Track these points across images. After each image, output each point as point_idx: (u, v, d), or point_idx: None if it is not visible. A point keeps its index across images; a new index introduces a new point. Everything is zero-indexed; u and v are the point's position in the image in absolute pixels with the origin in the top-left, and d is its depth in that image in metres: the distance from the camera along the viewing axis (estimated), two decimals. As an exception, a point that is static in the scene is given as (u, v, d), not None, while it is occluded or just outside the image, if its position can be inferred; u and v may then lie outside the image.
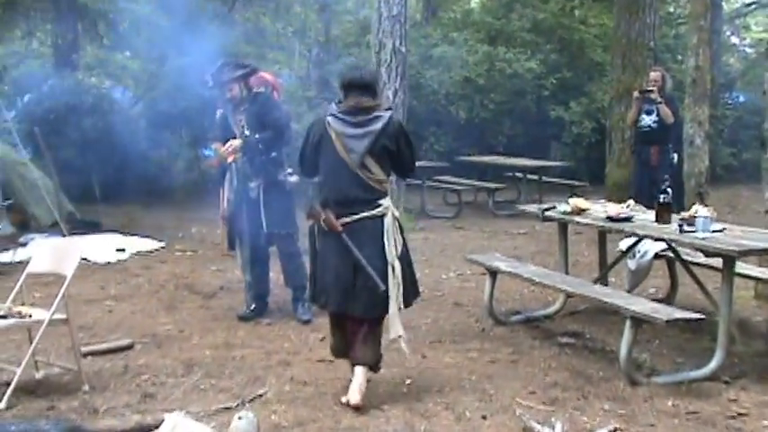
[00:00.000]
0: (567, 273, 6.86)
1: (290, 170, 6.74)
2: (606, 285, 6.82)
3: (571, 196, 8.24)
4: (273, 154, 6.61)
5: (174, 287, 7.78)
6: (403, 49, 10.50)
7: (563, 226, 6.93)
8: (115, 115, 12.63)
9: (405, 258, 4.91)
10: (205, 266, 8.59)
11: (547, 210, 6.69)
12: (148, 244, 9.55)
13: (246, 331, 6.43)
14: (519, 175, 13.20)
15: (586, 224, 6.43)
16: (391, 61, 10.38)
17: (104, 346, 5.97)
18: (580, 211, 6.42)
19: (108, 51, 14.11)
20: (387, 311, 4.80)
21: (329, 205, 4.78)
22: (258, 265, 6.81)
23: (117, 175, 12.14)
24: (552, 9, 17.30)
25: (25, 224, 10.11)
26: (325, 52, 16.08)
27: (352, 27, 17.11)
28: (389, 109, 5.03)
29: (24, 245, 9.04)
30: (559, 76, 16.22)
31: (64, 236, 9.17)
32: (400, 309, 4.83)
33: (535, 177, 12.90)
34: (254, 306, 6.82)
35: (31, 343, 5.09)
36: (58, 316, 5.09)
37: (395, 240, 4.79)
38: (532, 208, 7.11)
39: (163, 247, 9.55)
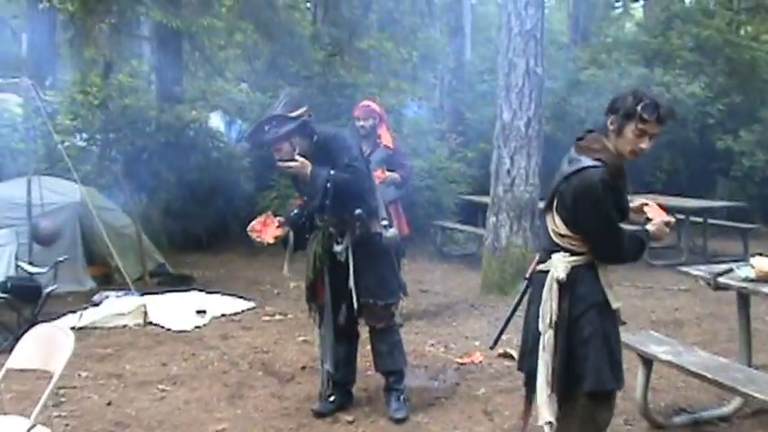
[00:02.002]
0: (749, 363, 5.07)
1: (384, 222, 5.20)
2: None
3: (756, 256, 6.31)
4: (358, 211, 5.06)
5: (248, 365, 6.39)
6: (539, 71, 8.78)
7: (744, 297, 5.15)
8: (218, 152, 11.58)
9: (596, 336, 3.68)
10: (292, 335, 7.20)
11: (721, 274, 4.96)
12: (235, 305, 8.23)
13: (320, 433, 4.99)
14: (680, 216, 11.34)
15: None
16: (523, 85, 8.71)
17: (130, 456, 4.69)
18: (769, 278, 4.71)
19: (213, 82, 13.13)
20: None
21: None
22: (343, 345, 5.31)
23: (219, 221, 11.07)
24: (718, 25, 15.43)
25: (108, 278, 9.00)
26: (458, 80, 14.63)
27: (488, 52, 15.62)
28: (600, 160, 3.64)
29: (97, 304, 7.87)
30: (727, 101, 14.47)
31: (141, 294, 8.10)
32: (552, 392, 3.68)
33: (699, 220, 11.31)
34: (333, 397, 5.34)
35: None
36: (38, 430, 3.81)
37: (550, 307, 3.67)
38: (700, 271, 5.29)
39: (252, 308, 8.23)
